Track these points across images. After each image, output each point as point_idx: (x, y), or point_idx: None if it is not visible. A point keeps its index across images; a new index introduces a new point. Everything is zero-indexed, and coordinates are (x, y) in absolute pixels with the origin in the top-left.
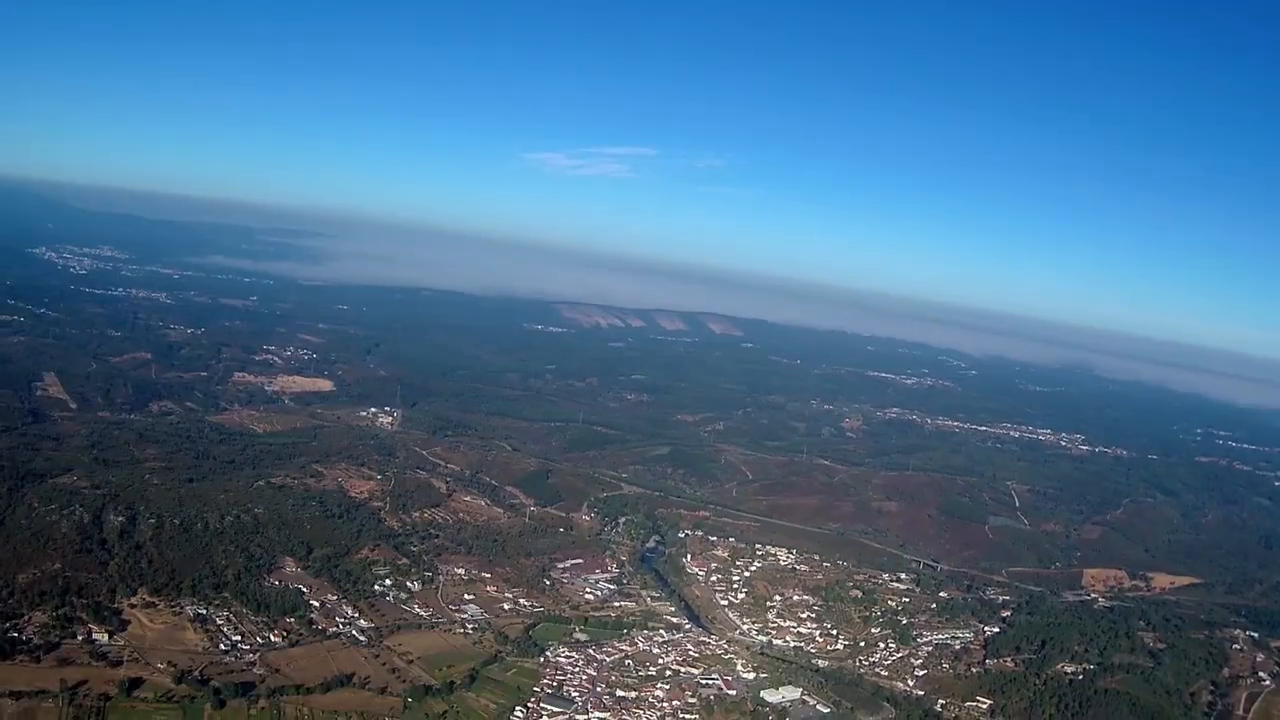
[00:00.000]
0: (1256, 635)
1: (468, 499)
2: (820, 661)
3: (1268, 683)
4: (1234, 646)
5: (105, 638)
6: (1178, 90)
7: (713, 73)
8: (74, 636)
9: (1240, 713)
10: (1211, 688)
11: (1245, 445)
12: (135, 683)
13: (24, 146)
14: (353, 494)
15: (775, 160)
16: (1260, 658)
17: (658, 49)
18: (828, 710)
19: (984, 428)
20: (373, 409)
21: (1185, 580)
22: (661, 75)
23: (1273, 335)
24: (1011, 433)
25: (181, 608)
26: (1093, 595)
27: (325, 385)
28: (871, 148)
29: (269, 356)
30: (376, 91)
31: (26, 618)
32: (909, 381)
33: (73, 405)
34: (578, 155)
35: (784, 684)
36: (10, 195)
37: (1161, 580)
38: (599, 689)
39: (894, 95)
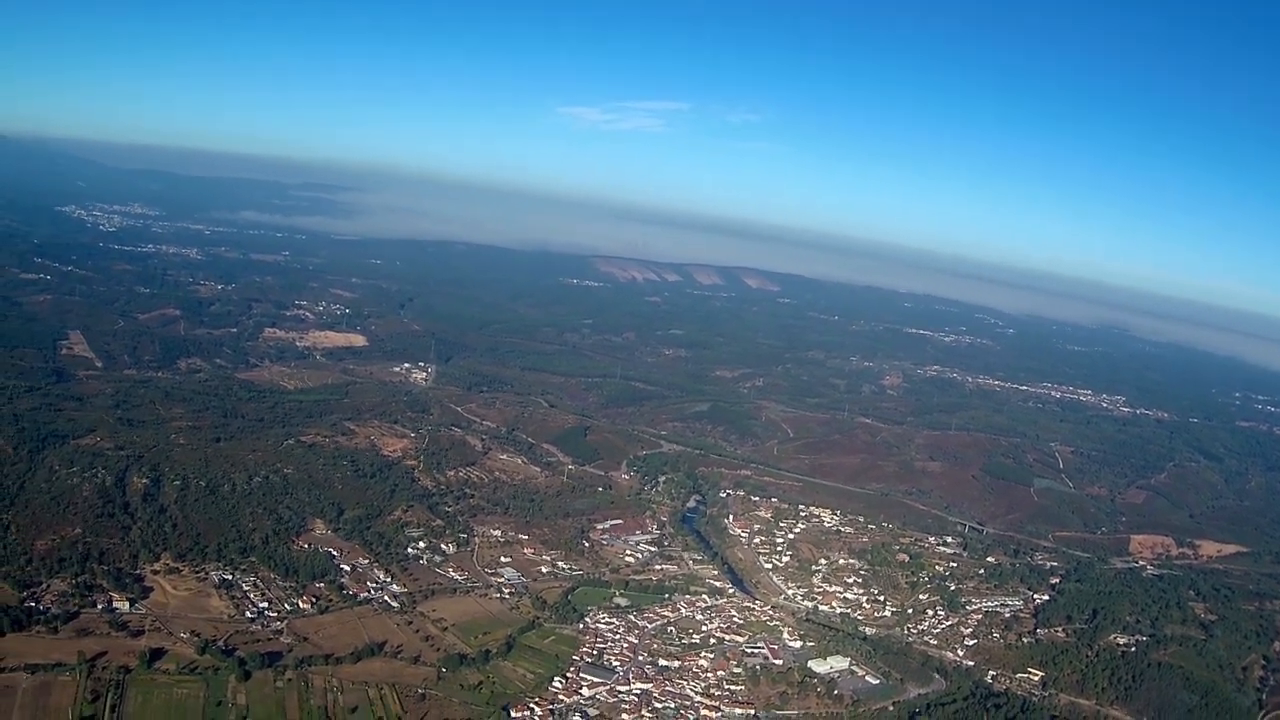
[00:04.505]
0: None
1: (504, 457)
2: (868, 629)
3: None
4: None
5: (126, 606)
6: (1224, 47)
7: (747, 27)
8: (94, 605)
9: None
10: (1263, 662)
11: None
12: (157, 653)
13: (55, 104)
14: (385, 453)
15: (810, 116)
16: None
17: (692, 2)
18: (877, 682)
19: (1025, 387)
20: (406, 364)
21: (1232, 549)
22: (695, 29)
23: None
24: (1053, 393)
25: (206, 573)
26: (1141, 563)
27: (358, 340)
28: (906, 104)
29: (300, 312)
30: (411, 44)
31: (45, 586)
32: (947, 339)
33: (98, 364)
34: (611, 110)
35: (831, 653)
36: (41, 153)
37: (1208, 548)
38: (641, 658)
39: (931, 50)
